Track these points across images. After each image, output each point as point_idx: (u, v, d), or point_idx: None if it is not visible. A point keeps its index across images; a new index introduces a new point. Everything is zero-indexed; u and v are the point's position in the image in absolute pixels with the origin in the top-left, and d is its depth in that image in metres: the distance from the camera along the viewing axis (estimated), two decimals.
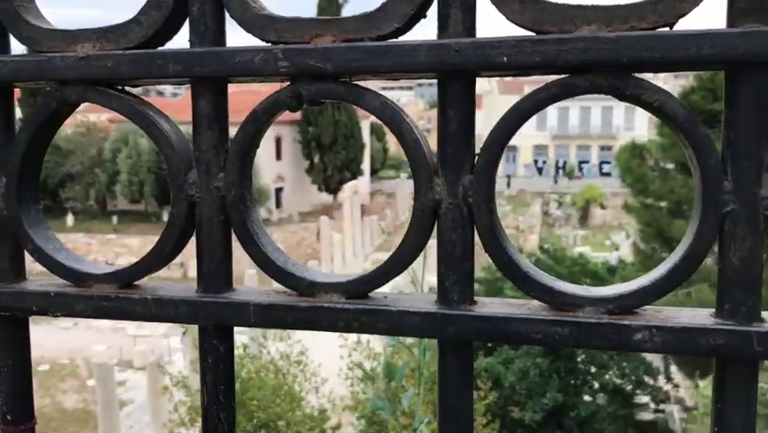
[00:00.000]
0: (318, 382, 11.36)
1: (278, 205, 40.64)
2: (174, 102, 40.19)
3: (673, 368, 17.09)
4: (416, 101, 73.21)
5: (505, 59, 0.67)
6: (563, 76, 0.68)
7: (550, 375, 14.14)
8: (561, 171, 60.84)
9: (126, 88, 0.82)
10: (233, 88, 0.81)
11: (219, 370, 0.81)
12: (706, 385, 11.61)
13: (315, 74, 0.73)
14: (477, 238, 0.73)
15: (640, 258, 16.31)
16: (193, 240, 0.82)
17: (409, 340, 2.29)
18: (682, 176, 14.45)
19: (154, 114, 0.80)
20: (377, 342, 10.05)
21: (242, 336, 12.35)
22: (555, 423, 14.39)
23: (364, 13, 0.72)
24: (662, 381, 16.78)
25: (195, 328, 0.82)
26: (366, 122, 43.28)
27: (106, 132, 40.65)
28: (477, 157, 0.71)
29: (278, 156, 40.70)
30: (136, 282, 0.84)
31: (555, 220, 46.27)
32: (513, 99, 0.69)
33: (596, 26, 0.66)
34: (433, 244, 0.75)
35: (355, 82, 0.74)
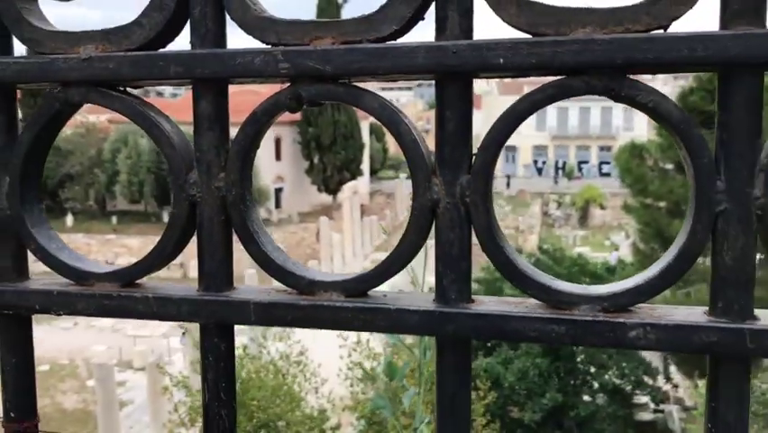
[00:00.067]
0: (318, 382, 11.35)
1: (278, 205, 40.59)
2: (173, 102, 40.14)
3: (673, 368, 17.08)
4: (415, 101, 73.07)
5: (501, 60, 0.68)
6: (559, 77, 0.69)
7: (549, 375, 14.14)
8: (560, 172, 60.75)
9: (127, 89, 0.83)
10: (232, 88, 0.82)
11: (220, 368, 0.82)
12: (705, 385, 11.58)
13: (314, 75, 0.74)
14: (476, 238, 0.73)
15: (639, 258, 16.30)
16: (194, 240, 0.82)
17: (409, 339, 2.29)
18: (681, 176, 14.42)
19: (155, 114, 0.81)
20: (377, 342, 10.04)
21: (241, 336, 12.34)
22: (555, 423, 14.38)
23: (363, 15, 0.73)
24: (661, 381, 16.76)
25: (195, 328, 0.83)
26: (365, 122, 43.20)
27: (106, 132, 40.60)
28: (474, 157, 0.72)
29: (278, 157, 40.63)
30: (138, 281, 0.85)
31: (555, 220, 46.23)
32: (512, 100, 0.70)
33: (591, 29, 0.67)
34: (433, 244, 0.75)
35: (354, 83, 0.75)
